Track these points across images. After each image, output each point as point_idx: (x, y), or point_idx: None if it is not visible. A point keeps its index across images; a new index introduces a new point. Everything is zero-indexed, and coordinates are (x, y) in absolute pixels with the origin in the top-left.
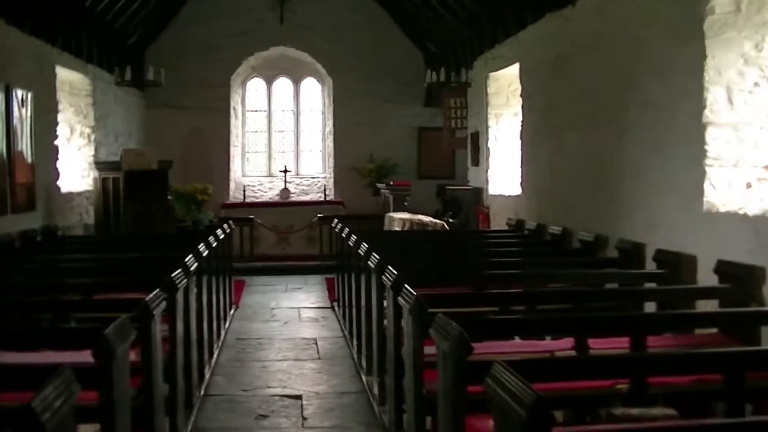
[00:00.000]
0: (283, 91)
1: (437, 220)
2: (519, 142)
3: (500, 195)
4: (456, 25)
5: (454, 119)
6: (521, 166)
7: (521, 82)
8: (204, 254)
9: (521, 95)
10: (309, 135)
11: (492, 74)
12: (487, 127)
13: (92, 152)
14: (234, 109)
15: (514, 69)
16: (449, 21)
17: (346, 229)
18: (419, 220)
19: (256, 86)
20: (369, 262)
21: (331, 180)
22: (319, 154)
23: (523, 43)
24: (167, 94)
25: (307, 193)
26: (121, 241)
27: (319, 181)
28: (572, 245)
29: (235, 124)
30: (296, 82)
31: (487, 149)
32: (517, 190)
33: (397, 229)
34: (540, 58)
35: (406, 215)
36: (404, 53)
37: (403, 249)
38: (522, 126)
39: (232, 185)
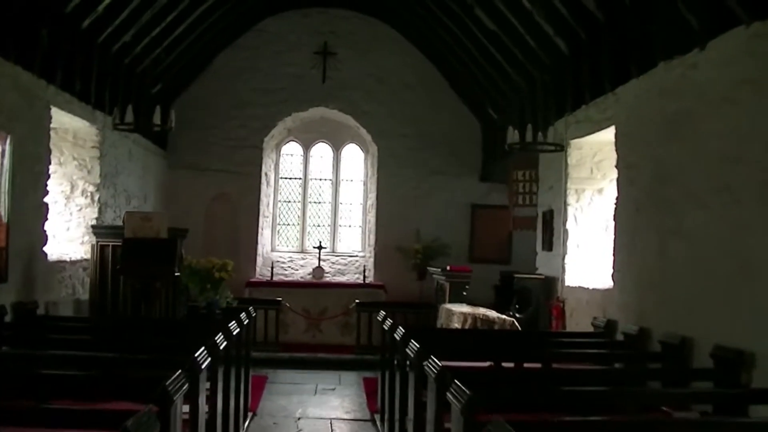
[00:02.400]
0: (322, 158)
1: (506, 317)
2: (612, 222)
3: (581, 287)
4: (526, 87)
5: (522, 194)
6: (614, 253)
7: (617, 150)
8: (203, 365)
9: (617, 165)
10: (348, 208)
11: (574, 141)
12: (565, 205)
13: (95, 214)
14: (266, 174)
15: (604, 134)
16: (518, 82)
17: (400, 330)
18: (484, 315)
19: (291, 151)
20: (450, 397)
21: (371, 260)
22: (358, 229)
23: (623, 100)
24: (192, 154)
25: (343, 274)
26: (109, 329)
27: (357, 261)
28: (693, 362)
29: (267, 192)
30: (336, 149)
31: (565, 231)
32: (606, 282)
33: (456, 326)
34: (648, 118)
35: (467, 309)
36: (459, 120)
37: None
38: (617, 203)
39: (259, 260)
